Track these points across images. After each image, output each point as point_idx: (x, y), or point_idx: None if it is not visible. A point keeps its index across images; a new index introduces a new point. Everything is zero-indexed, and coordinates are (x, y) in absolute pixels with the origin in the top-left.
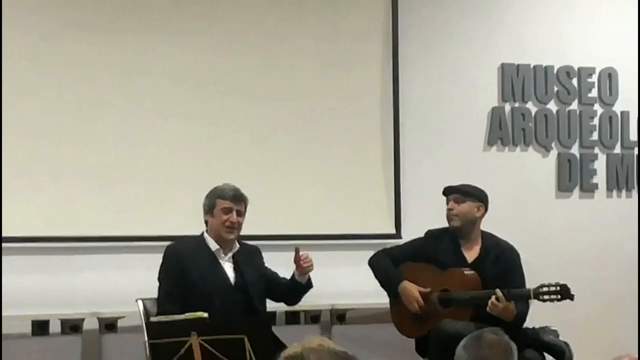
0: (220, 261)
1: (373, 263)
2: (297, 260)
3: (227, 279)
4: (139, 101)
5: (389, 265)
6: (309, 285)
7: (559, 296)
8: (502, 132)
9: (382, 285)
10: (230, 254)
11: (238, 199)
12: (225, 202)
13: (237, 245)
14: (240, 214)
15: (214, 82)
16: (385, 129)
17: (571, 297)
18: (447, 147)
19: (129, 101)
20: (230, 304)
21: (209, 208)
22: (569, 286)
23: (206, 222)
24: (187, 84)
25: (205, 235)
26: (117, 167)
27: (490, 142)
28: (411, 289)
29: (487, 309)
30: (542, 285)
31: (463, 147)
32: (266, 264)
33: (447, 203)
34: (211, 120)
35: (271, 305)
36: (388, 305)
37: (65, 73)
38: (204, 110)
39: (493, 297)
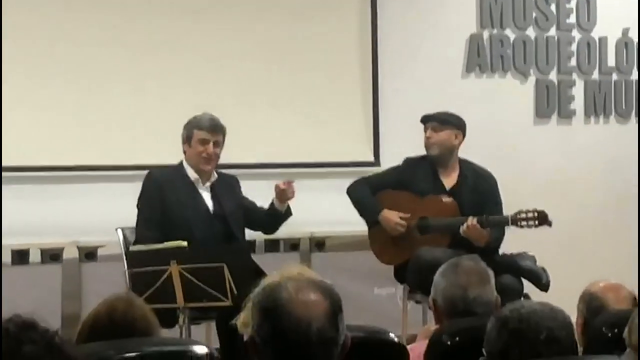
0: (199, 190)
1: (351, 192)
2: (280, 191)
3: (206, 207)
4: (118, 30)
5: (367, 194)
6: (288, 213)
7: (537, 222)
8: (480, 59)
9: (361, 215)
10: (208, 183)
11: (215, 129)
12: (202, 133)
13: (216, 175)
14: (218, 144)
15: (192, 12)
16: (363, 57)
17: (549, 223)
18: (426, 74)
19: (108, 30)
20: (209, 232)
21: (187, 138)
22: (546, 212)
23: (184, 152)
24: (165, 15)
25: (184, 164)
26: (97, 96)
27: (468, 69)
28: (392, 216)
29: (461, 231)
30: (520, 212)
31: (441, 74)
32: (245, 193)
33: (425, 131)
34: (190, 50)
35: (250, 233)
36: (367, 233)
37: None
38: (182, 40)
39: (469, 220)
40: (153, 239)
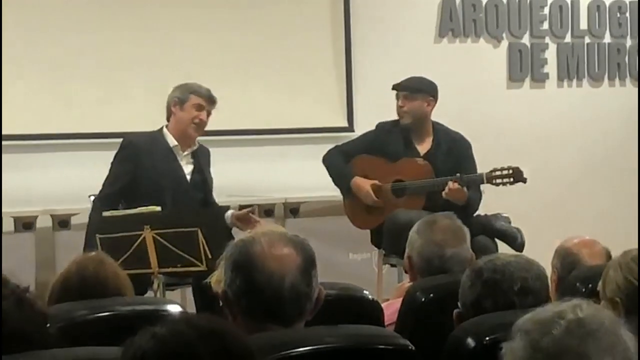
0: (178, 157)
1: (326, 162)
2: (246, 217)
3: (183, 175)
4: None
5: (340, 163)
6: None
7: (512, 179)
8: (453, 23)
9: (335, 184)
10: (189, 151)
11: (212, 100)
12: (200, 99)
13: (197, 144)
14: (209, 115)
15: None
16: (336, 22)
17: (524, 180)
18: (399, 39)
19: None
20: (185, 201)
21: (180, 101)
22: (521, 169)
23: (170, 116)
24: None
25: (165, 130)
26: (71, 63)
27: (441, 34)
28: (363, 184)
29: (443, 193)
30: (495, 169)
31: (414, 39)
32: (219, 160)
33: (397, 99)
34: (165, 19)
35: (224, 199)
36: (341, 198)
37: None
38: (158, 8)
39: (449, 184)
40: (115, 195)
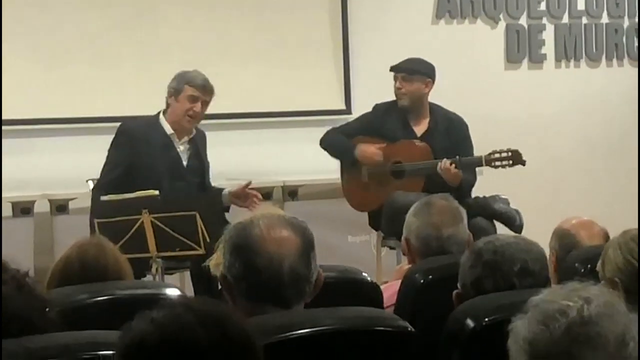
0: (174, 143)
1: (325, 142)
2: (243, 192)
3: (180, 161)
4: None
5: (340, 139)
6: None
7: (511, 162)
8: (450, 4)
9: (339, 158)
10: (186, 138)
11: (207, 90)
12: (193, 90)
13: (194, 131)
14: (205, 104)
15: None
16: (333, 4)
17: (523, 163)
18: (396, 20)
19: None
20: (182, 186)
21: (175, 92)
22: (520, 151)
23: (168, 105)
24: None
25: (161, 117)
26: (68, 48)
27: (438, 16)
28: (367, 147)
29: (437, 169)
30: (494, 152)
31: (411, 21)
32: (218, 143)
33: (395, 81)
34: (162, 2)
35: (221, 183)
36: (340, 180)
37: None
38: None
39: (442, 163)
40: (114, 183)
